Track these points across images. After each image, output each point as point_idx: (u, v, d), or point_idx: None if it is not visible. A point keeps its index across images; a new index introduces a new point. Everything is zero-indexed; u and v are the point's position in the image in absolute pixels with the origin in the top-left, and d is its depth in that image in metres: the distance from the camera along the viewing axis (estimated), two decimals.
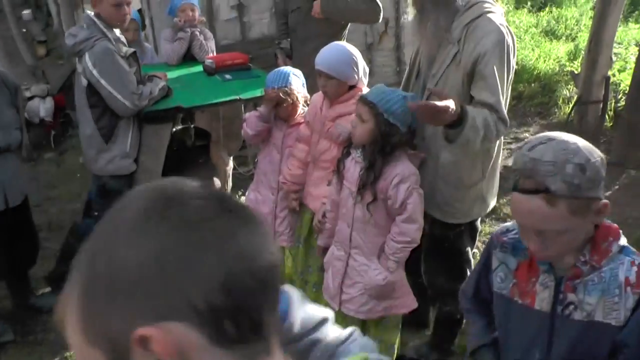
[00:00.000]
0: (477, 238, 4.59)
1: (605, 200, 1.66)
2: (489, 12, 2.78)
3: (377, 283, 2.94)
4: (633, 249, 1.73)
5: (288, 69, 3.65)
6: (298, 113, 3.60)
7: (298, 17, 4.51)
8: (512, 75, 2.85)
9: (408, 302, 3.09)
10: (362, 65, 3.25)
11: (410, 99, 2.87)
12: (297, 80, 3.56)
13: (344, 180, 3.02)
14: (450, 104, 2.50)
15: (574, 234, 1.66)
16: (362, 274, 2.98)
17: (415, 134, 2.98)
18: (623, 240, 1.73)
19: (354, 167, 2.96)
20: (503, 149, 6.36)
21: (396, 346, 3.28)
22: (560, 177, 1.58)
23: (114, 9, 3.60)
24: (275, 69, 3.67)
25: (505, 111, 2.77)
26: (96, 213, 3.88)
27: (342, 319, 3.15)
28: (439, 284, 3.28)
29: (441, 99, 2.53)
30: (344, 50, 3.23)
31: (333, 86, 3.21)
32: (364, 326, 3.16)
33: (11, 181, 3.55)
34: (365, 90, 3.20)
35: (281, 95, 3.47)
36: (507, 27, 2.78)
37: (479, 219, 3.30)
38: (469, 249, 3.28)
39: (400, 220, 2.88)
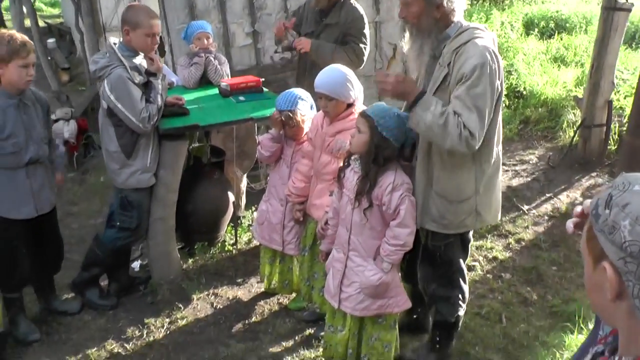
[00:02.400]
0: (475, 252, 4.85)
1: None
2: (477, 37, 2.98)
3: (372, 283, 3.20)
4: None
5: (297, 91, 3.93)
6: (305, 132, 3.88)
7: None
8: (495, 96, 2.98)
9: (401, 302, 3.33)
10: (357, 84, 3.55)
11: (405, 118, 3.15)
12: (303, 104, 3.85)
13: (343, 188, 3.29)
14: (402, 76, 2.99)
15: None
16: (359, 274, 3.24)
17: (414, 150, 3.24)
18: None
19: (352, 177, 3.23)
20: (508, 170, 6.65)
21: (393, 345, 3.50)
22: None
23: (146, 38, 3.95)
24: (286, 91, 3.95)
25: (476, 127, 2.87)
26: (118, 223, 4.17)
27: (342, 317, 3.41)
28: (431, 291, 3.49)
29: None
30: (339, 73, 3.53)
31: (333, 106, 3.51)
32: (362, 325, 3.41)
33: (41, 191, 3.83)
34: (360, 106, 3.50)
35: (283, 118, 3.77)
36: (492, 51, 2.95)
37: (471, 232, 3.48)
38: (460, 260, 3.47)
39: (393, 225, 3.14)
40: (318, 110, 3.79)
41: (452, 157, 3.08)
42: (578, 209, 1.44)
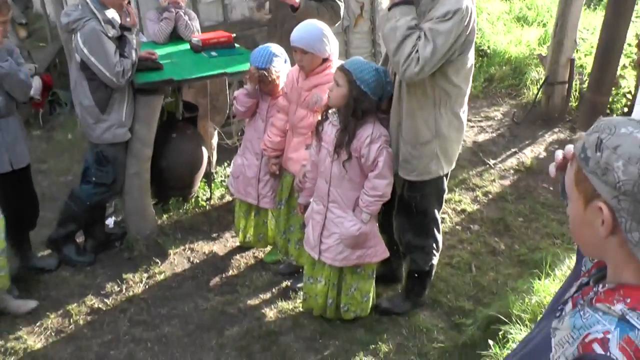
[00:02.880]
0: (444, 204, 4.98)
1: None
2: None
3: (352, 233, 3.29)
4: (630, 325, 1.18)
5: (271, 47, 3.92)
6: (280, 87, 3.91)
7: None
8: (456, 45, 3.02)
9: (379, 251, 3.44)
10: (333, 39, 3.59)
11: (382, 72, 3.22)
12: (278, 60, 3.88)
13: (322, 141, 3.35)
14: None
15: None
16: (339, 225, 3.32)
17: (390, 104, 3.30)
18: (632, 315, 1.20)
19: (331, 130, 3.30)
20: (474, 126, 6.78)
21: (371, 295, 3.62)
22: None
23: None
24: (260, 47, 3.96)
25: (424, 58, 2.92)
26: (93, 179, 4.16)
27: (322, 268, 3.50)
28: (407, 240, 3.60)
29: None
30: (316, 27, 3.56)
31: (308, 60, 3.54)
32: (341, 275, 3.51)
33: (15, 145, 3.79)
34: (336, 61, 3.54)
35: (259, 76, 3.80)
36: (468, 6, 2.98)
37: (445, 183, 3.57)
38: (435, 210, 3.58)
39: (372, 177, 3.23)
40: (293, 64, 3.82)
41: (415, 100, 3.16)
42: (559, 154, 1.47)
